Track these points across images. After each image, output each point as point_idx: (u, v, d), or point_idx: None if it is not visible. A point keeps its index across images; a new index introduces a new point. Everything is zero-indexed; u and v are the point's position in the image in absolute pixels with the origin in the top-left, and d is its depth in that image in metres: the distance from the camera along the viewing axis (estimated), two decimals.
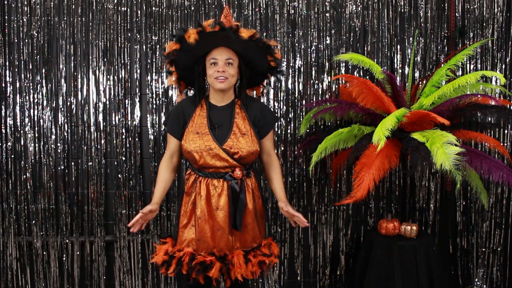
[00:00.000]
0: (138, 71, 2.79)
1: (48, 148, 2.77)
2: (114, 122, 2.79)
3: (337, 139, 2.40)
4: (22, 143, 2.76)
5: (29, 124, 2.76)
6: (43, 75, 2.75)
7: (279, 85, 2.84)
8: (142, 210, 1.88)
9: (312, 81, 2.86)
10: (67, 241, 2.82)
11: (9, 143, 2.75)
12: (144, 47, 2.77)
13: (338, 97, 2.83)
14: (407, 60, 2.87)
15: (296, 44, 2.83)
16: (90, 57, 2.76)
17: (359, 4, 2.85)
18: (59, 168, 2.78)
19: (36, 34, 2.73)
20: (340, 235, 2.95)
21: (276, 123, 2.79)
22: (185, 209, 2.02)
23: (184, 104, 2.04)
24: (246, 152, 1.94)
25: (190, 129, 1.98)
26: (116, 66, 2.77)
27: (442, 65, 2.47)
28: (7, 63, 2.73)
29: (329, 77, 2.86)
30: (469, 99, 2.31)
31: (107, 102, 2.78)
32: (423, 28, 2.88)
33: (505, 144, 2.91)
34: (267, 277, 2.90)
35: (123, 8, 2.75)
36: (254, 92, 2.25)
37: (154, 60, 2.78)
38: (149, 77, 2.78)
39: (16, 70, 2.73)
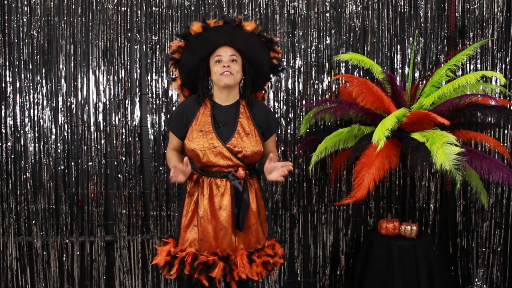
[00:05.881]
0: (138, 71, 2.79)
1: (48, 148, 2.77)
2: (114, 122, 2.79)
3: (337, 139, 2.40)
4: (22, 143, 2.76)
5: (29, 124, 2.76)
6: (43, 75, 2.75)
7: (279, 85, 2.84)
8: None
9: (312, 81, 2.86)
10: (67, 241, 2.81)
11: (9, 143, 2.75)
12: (144, 47, 2.77)
13: (338, 97, 2.82)
14: (407, 60, 2.87)
15: (296, 44, 2.83)
16: (90, 57, 2.76)
17: (359, 4, 2.85)
18: (59, 168, 2.78)
19: (36, 34, 2.73)
20: (340, 235, 2.95)
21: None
22: (187, 209, 2.01)
23: (188, 103, 2.04)
24: (250, 151, 1.95)
25: (194, 127, 1.98)
26: (116, 66, 2.77)
27: (442, 65, 2.46)
28: (7, 63, 2.73)
29: (329, 77, 2.86)
30: (469, 99, 2.31)
31: (107, 102, 2.78)
32: (423, 28, 2.88)
33: (505, 144, 2.90)
34: (267, 277, 2.90)
35: (123, 8, 2.75)
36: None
37: (154, 60, 2.78)
38: (149, 77, 2.78)
39: (16, 70, 2.73)
